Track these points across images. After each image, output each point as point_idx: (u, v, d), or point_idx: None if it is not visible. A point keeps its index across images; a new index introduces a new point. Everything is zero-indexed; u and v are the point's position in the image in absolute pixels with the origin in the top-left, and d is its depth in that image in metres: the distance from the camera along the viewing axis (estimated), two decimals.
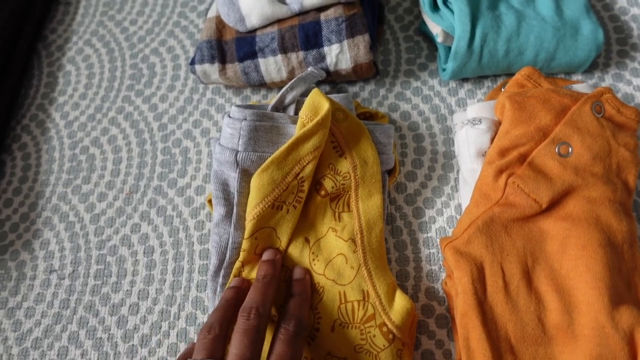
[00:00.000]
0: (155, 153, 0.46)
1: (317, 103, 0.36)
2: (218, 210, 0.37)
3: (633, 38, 0.45)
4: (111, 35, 0.54)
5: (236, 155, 0.36)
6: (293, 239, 0.36)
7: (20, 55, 0.51)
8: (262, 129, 0.36)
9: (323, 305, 0.34)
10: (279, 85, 0.46)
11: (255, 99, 0.48)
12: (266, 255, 0.36)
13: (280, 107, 0.39)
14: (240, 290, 0.34)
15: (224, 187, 0.37)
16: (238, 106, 0.37)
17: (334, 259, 0.35)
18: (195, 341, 0.33)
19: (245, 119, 0.36)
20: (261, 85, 0.45)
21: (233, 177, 0.37)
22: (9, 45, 0.51)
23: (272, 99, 0.44)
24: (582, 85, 0.39)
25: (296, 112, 0.39)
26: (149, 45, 0.52)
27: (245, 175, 0.36)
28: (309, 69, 0.41)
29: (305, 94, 0.42)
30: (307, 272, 0.36)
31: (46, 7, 0.56)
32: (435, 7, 0.43)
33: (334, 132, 0.37)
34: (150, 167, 0.46)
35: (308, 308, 0.34)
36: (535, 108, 0.36)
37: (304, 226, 0.36)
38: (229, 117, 0.37)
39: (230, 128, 0.36)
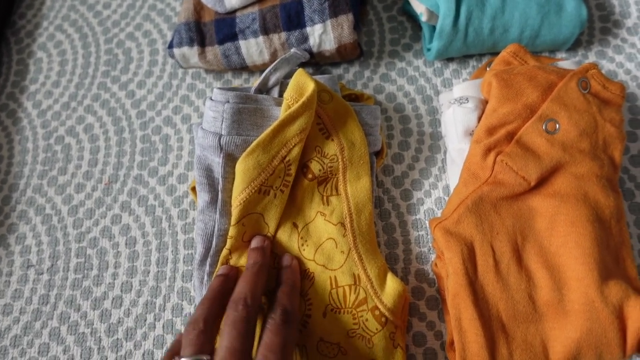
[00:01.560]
0: (135, 141, 0.45)
1: (302, 84, 0.35)
2: (202, 197, 0.36)
3: (615, 15, 0.45)
4: (84, 19, 0.52)
5: (219, 139, 0.34)
6: (281, 225, 0.35)
7: None
8: (246, 112, 0.35)
9: (314, 291, 0.34)
10: (261, 68, 0.45)
11: (237, 82, 0.46)
12: (254, 243, 0.35)
13: (263, 89, 0.38)
14: (228, 278, 0.33)
15: (208, 172, 0.36)
16: (220, 88, 0.36)
17: (324, 243, 0.34)
18: (182, 332, 0.32)
19: (228, 102, 0.35)
20: (243, 68, 0.44)
21: (217, 162, 0.35)
22: None
23: (255, 81, 0.43)
24: (567, 62, 0.39)
25: (280, 94, 0.37)
26: (124, 30, 0.50)
27: (230, 160, 0.35)
28: (292, 50, 0.40)
29: (289, 76, 0.41)
30: (295, 258, 0.35)
31: None
32: None
33: (320, 114, 0.36)
34: (130, 155, 0.44)
35: (297, 295, 0.33)
36: (521, 85, 0.35)
37: (292, 211, 0.36)
38: (211, 99, 0.36)
39: (212, 111, 0.35)
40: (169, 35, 0.49)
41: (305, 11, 0.41)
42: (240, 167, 0.34)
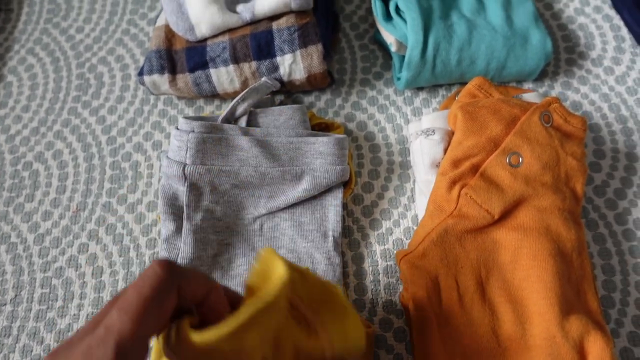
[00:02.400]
0: (104, 168, 0.44)
1: (268, 268, 0.24)
2: (167, 226, 0.36)
3: (580, 47, 0.46)
4: (56, 43, 0.51)
5: (184, 168, 0.34)
6: None
7: None
8: (210, 141, 0.35)
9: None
10: (232, 96, 0.45)
11: (208, 109, 0.46)
12: None
13: (231, 118, 0.38)
14: None
15: (173, 201, 0.36)
16: (186, 117, 0.36)
17: None
18: None
19: (193, 131, 0.35)
20: (214, 95, 0.44)
21: (182, 191, 0.35)
22: None
23: (224, 110, 0.43)
24: (532, 95, 0.40)
25: (248, 124, 0.38)
26: (96, 54, 0.50)
27: (194, 189, 0.35)
28: (263, 79, 0.40)
29: (258, 105, 0.41)
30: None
31: None
32: (388, 17, 0.43)
33: (295, 304, 0.25)
34: (99, 182, 0.44)
35: None
36: (486, 118, 0.36)
37: None
38: (177, 129, 0.36)
39: (177, 140, 0.35)
40: (141, 61, 0.49)
41: (275, 41, 0.41)
42: None
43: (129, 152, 0.45)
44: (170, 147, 0.36)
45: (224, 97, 0.45)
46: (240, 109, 0.37)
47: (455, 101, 0.39)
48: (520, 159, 0.35)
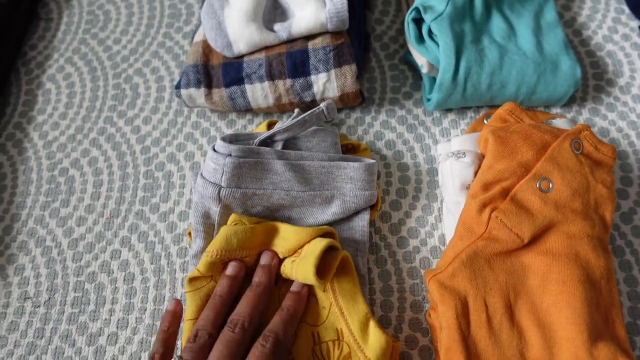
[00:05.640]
0: (138, 177, 0.45)
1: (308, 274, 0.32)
2: (197, 243, 0.37)
3: (608, 74, 0.47)
4: (93, 53, 0.53)
5: (219, 191, 0.35)
6: None
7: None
8: (246, 165, 0.36)
9: (297, 349, 0.34)
10: (264, 111, 0.46)
11: (240, 123, 0.48)
12: (263, 259, 0.35)
13: (268, 141, 0.39)
14: (236, 281, 0.34)
15: (205, 219, 0.37)
16: (223, 139, 0.37)
17: None
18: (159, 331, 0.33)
19: (230, 155, 0.36)
20: (247, 110, 0.45)
21: (215, 211, 0.36)
22: None
23: (260, 126, 0.44)
24: (561, 121, 0.40)
25: (284, 147, 0.39)
26: (132, 66, 0.52)
27: (227, 210, 0.36)
28: (313, 110, 0.40)
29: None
30: (307, 286, 0.35)
31: (27, 22, 0.54)
32: (420, 39, 0.44)
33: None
34: (132, 190, 0.45)
35: (294, 325, 0.33)
36: (517, 143, 0.37)
37: None
38: (214, 150, 0.37)
39: (213, 162, 0.36)
40: (176, 73, 0.51)
41: (310, 60, 0.42)
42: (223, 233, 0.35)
43: (162, 161, 0.46)
44: (205, 167, 0.37)
45: (256, 112, 0.46)
46: (279, 137, 0.38)
47: (486, 125, 0.40)
48: (551, 185, 0.35)
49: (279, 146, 0.39)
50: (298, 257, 0.34)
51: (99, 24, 0.55)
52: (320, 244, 0.33)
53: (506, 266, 0.34)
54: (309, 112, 0.39)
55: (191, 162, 0.46)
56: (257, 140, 0.39)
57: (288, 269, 0.34)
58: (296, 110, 0.44)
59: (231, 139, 0.38)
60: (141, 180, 0.45)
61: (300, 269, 0.33)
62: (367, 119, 0.47)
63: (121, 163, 0.46)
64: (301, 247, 0.35)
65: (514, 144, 0.37)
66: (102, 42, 0.53)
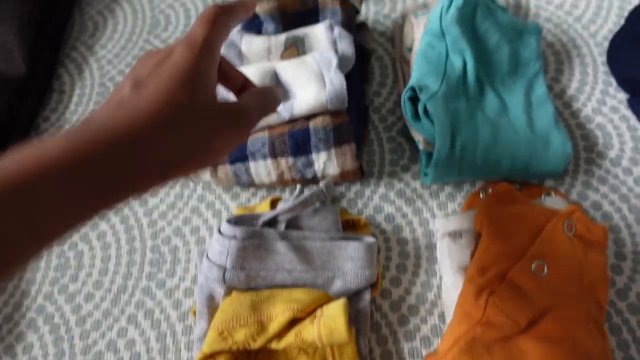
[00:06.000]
0: (145, 251, 0.47)
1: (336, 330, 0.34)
2: (201, 325, 0.38)
3: (599, 146, 0.48)
4: None
5: (224, 273, 0.37)
6: None
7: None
8: (251, 247, 0.38)
9: None
10: (267, 186, 0.48)
11: (244, 196, 0.49)
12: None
13: (272, 221, 0.40)
14: None
15: (209, 301, 0.38)
16: (229, 221, 0.39)
17: None
18: None
19: (235, 237, 0.37)
20: (250, 185, 0.47)
21: (219, 293, 0.37)
22: (1, 136, 0.52)
23: (264, 203, 0.45)
24: (554, 198, 0.42)
25: (287, 226, 0.40)
26: None
27: (230, 289, 0.37)
28: (313, 190, 0.42)
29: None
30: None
31: (41, 95, 0.57)
32: (416, 117, 0.46)
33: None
34: (139, 265, 0.46)
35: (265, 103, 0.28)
36: (512, 226, 0.38)
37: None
38: (219, 232, 0.38)
39: (219, 245, 0.38)
40: None
41: (311, 139, 0.44)
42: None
43: (168, 235, 0.47)
44: (211, 248, 0.38)
45: (259, 187, 0.48)
46: (282, 217, 0.40)
47: (481, 205, 0.41)
48: (545, 268, 0.36)
49: (282, 226, 0.40)
50: (315, 318, 0.35)
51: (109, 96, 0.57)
52: (340, 301, 0.35)
53: (504, 352, 0.35)
54: (309, 192, 0.41)
55: (196, 236, 0.47)
56: (260, 222, 0.40)
57: (307, 330, 0.35)
58: (298, 186, 0.46)
59: (237, 220, 0.40)
60: (148, 254, 0.46)
61: (328, 323, 0.34)
62: (367, 192, 0.48)
63: (129, 237, 0.48)
64: (316, 307, 0.36)
65: (509, 226, 0.38)
66: None
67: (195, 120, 0.23)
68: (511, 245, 0.37)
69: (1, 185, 0.18)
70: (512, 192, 0.41)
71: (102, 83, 0.58)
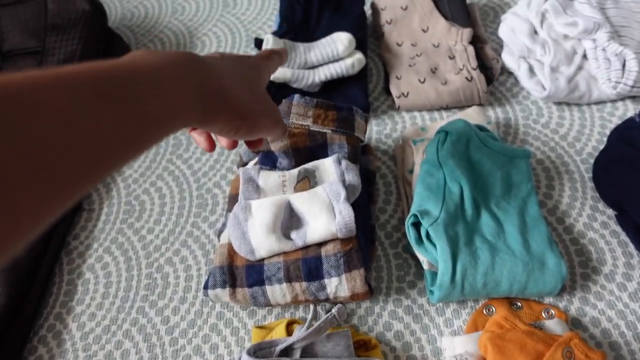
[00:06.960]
0: None
1: None
2: None
3: (593, 262, 0.51)
4: (129, 243, 0.59)
5: None
6: None
7: (46, 266, 0.56)
8: None
9: None
10: (282, 306, 0.51)
11: (260, 313, 0.52)
12: None
13: (288, 349, 0.43)
14: None
15: None
16: (248, 352, 0.42)
17: None
18: None
19: None
20: (266, 305, 0.50)
21: None
22: (36, 258, 0.56)
23: (279, 326, 0.48)
24: (553, 321, 0.44)
25: (302, 354, 0.43)
26: (163, 255, 0.58)
27: None
28: (326, 316, 0.45)
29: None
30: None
31: (72, 215, 0.62)
32: (419, 240, 0.50)
33: None
34: None
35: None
36: (513, 353, 0.40)
37: None
38: None
39: None
40: (202, 262, 0.56)
41: (323, 266, 0.48)
42: None
43: (188, 354, 0.50)
44: None
45: (275, 306, 0.51)
46: (298, 345, 0.43)
47: (485, 329, 0.44)
48: None
49: (297, 354, 0.43)
50: None
51: (135, 214, 0.62)
52: None
53: None
54: (322, 319, 0.44)
55: (215, 354, 0.50)
56: (277, 350, 0.43)
57: None
58: (311, 306, 0.49)
59: (255, 349, 0.43)
60: None
61: None
62: (376, 308, 0.51)
63: (151, 355, 0.50)
64: None
65: (511, 353, 0.41)
66: (137, 232, 0.60)
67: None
68: None
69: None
70: (511, 317, 0.43)
71: (128, 201, 0.63)
